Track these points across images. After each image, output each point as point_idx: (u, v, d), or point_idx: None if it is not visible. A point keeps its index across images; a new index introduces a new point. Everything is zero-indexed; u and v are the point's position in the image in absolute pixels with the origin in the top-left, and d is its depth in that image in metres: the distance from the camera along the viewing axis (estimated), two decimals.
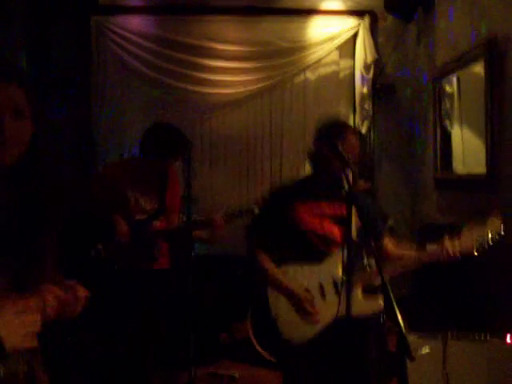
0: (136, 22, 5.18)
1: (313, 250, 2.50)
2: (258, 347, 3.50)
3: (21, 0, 4.66)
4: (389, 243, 2.68)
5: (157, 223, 3.29)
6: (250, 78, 5.21)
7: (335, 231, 2.51)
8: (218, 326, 4.50)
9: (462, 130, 4.28)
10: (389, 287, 1.61)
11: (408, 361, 2.73)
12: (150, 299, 3.23)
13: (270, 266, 2.58)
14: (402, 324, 1.47)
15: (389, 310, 1.59)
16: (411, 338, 2.87)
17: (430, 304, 3.51)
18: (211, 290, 4.59)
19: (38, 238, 1.46)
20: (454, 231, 2.51)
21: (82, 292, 1.47)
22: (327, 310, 2.39)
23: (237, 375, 4.00)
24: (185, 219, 3.22)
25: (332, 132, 2.52)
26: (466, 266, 3.46)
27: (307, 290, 2.46)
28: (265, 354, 2.51)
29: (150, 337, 3.22)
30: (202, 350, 4.05)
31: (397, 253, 2.63)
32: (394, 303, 1.53)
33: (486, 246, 2.46)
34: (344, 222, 2.37)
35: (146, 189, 3.30)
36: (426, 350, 2.79)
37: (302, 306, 2.42)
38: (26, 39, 4.78)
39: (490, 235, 2.44)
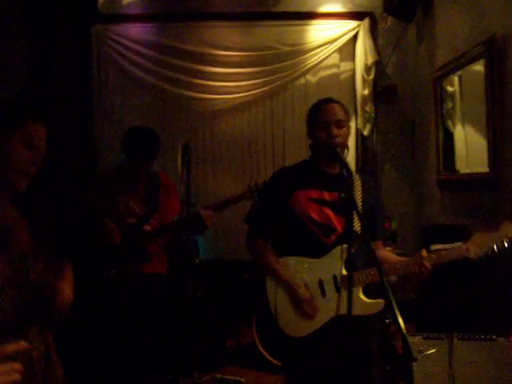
0: (136, 30, 5.21)
1: (312, 240, 2.37)
2: (261, 349, 3.46)
3: (22, 12, 4.70)
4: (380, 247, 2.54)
5: (148, 227, 3.30)
6: (250, 83, 5.22)
7: (335, 220, 2.38)
8: (225, 331, 4.48)
9: (464, 130, 4.27)
10: (387, 286, 1.57)
11: (412, 362, 2.74)
12: (143, 304, 3.22)
13: (269, 257, 2.46)
14: (402, 324, 1.45)
15: (390, 311, 1.56)
16: (417, 340, 2.86)
17: (436, 306, 3.49)
18: (217, 295, 4.58)
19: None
20: (464, 234, 2.36)
21: None
22: (327, 307, 2.32)
23: (243, 380, 3.98)
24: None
25: (308, 114, 2.52)
26: (472, 268, 3.45)
27: (306, 286, 2.36)
28: (268, 356, 2.48)
29: (145, 342, 3.23)
30: (209, 355, 4.04)
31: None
32: (394, 303, 1.50)
33: (497, 252, 2.23)
34: (343, 211, 2.33)
35: (135, 193, 3.33)
36: (431, 350, 2.77)
37: (300, 305, 2.33)
38: (27, 51, 4.81)
39: (505, 243, 2.21)
